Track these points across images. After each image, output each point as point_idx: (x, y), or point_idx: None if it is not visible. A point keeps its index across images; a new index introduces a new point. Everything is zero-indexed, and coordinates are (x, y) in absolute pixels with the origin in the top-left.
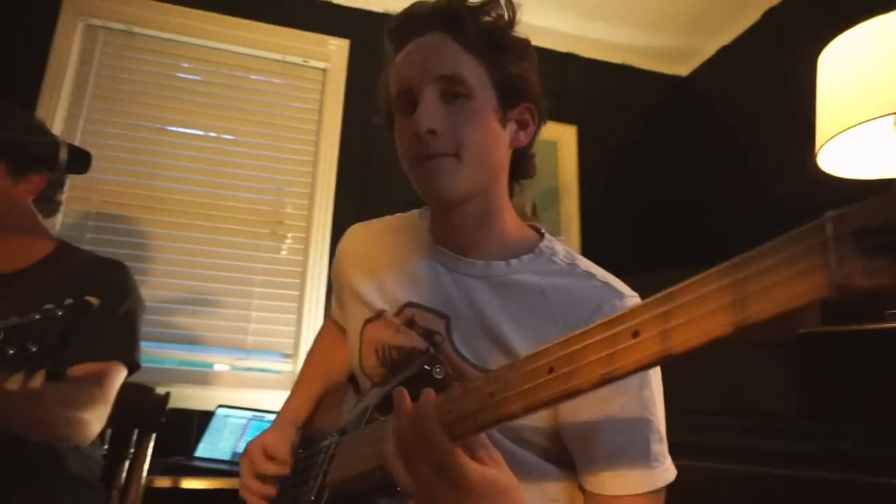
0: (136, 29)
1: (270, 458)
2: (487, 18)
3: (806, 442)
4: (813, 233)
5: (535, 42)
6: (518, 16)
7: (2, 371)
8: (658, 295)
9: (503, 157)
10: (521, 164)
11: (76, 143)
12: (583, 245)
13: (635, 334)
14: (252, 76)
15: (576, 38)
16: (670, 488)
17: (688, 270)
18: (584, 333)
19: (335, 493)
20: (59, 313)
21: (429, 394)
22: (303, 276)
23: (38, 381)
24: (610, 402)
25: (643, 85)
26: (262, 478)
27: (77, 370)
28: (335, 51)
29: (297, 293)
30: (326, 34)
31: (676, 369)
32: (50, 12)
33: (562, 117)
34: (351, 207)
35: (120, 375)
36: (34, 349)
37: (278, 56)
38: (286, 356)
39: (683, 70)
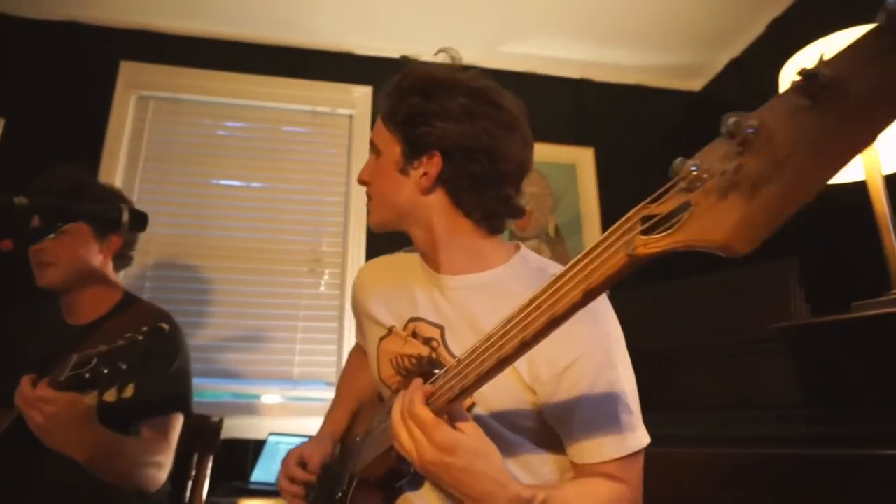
0: (181, 95)
1: (302, 465)
2: (393, 101)
3: (807, 425)
4: (626, 221)
5: (548, 71)
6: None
7: (100, 387)
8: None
9: (406, 197)
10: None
11: (134, 200)
12: None
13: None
14: (286, 128)
15: (588, 65)
16: (697, 472)
17: None
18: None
19: (362, 481)
20: (140, 338)
21: (417, 381)
22: (340, 308)
23: (128, 391)
24: (580, 384)
25: (658, 102)
26: (293, 480)
27: (146, 425)
28: (359, 97)
29: (336, 325)
30: (350, 83)
31: (693, 375)
32: (107, 88)
33: (579, 140)
34: (382, 240)
35: (179, 423)
36: (124, 367)
37: (308, 107)
38: (329, 384)
39: (696, 85)
